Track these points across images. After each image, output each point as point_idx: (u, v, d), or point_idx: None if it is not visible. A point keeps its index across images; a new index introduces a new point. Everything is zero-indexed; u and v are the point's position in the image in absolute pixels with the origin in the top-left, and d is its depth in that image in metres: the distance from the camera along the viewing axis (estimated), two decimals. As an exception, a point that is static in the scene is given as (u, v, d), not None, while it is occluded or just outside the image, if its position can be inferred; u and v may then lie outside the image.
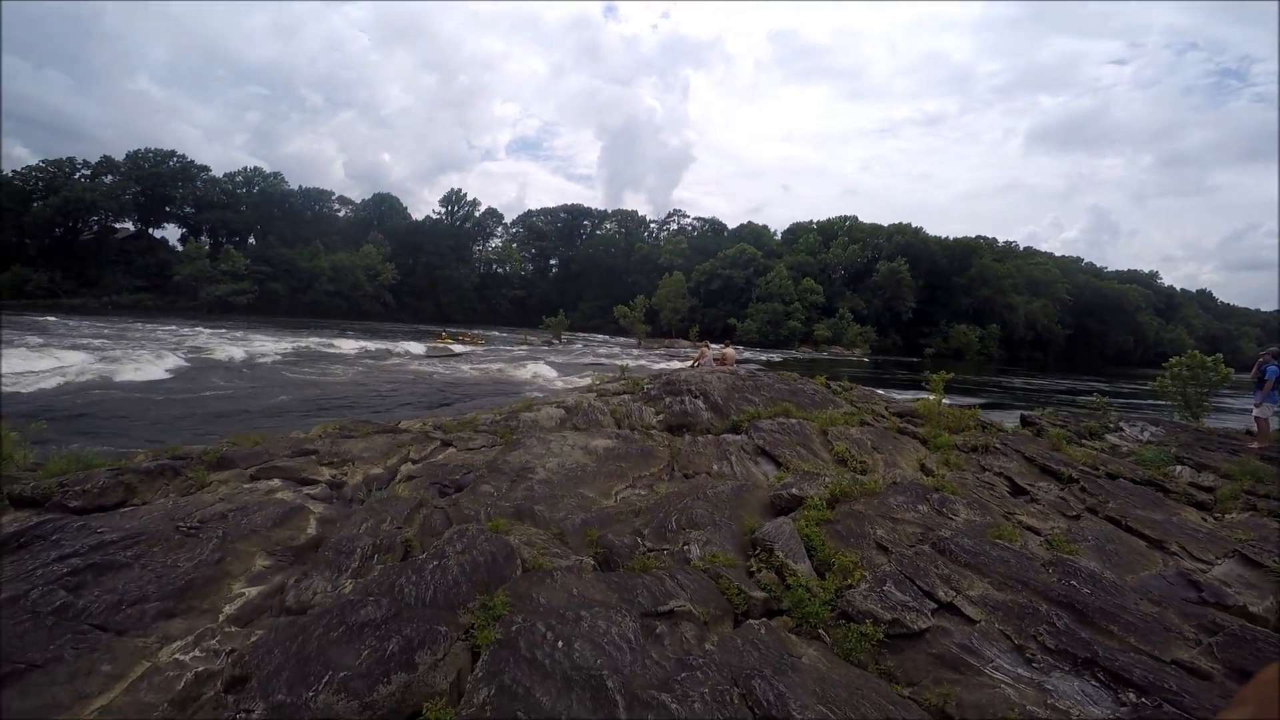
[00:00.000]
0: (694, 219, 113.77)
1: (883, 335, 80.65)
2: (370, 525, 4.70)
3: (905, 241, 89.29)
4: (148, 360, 20.22)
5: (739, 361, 14.07)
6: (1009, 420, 12.59)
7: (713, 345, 14.09)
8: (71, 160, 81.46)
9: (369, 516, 4.91)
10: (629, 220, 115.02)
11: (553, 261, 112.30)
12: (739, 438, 7.68)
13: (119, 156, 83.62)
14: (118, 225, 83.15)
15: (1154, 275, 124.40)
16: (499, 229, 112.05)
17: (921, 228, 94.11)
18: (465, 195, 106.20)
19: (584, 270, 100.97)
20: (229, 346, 27.13)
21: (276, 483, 6.06)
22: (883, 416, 9.80)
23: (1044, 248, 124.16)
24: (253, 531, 4.71)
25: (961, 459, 7.57)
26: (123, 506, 5.16)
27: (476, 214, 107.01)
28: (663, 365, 30.60)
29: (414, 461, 6.95)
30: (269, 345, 28.90)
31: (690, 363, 13.90)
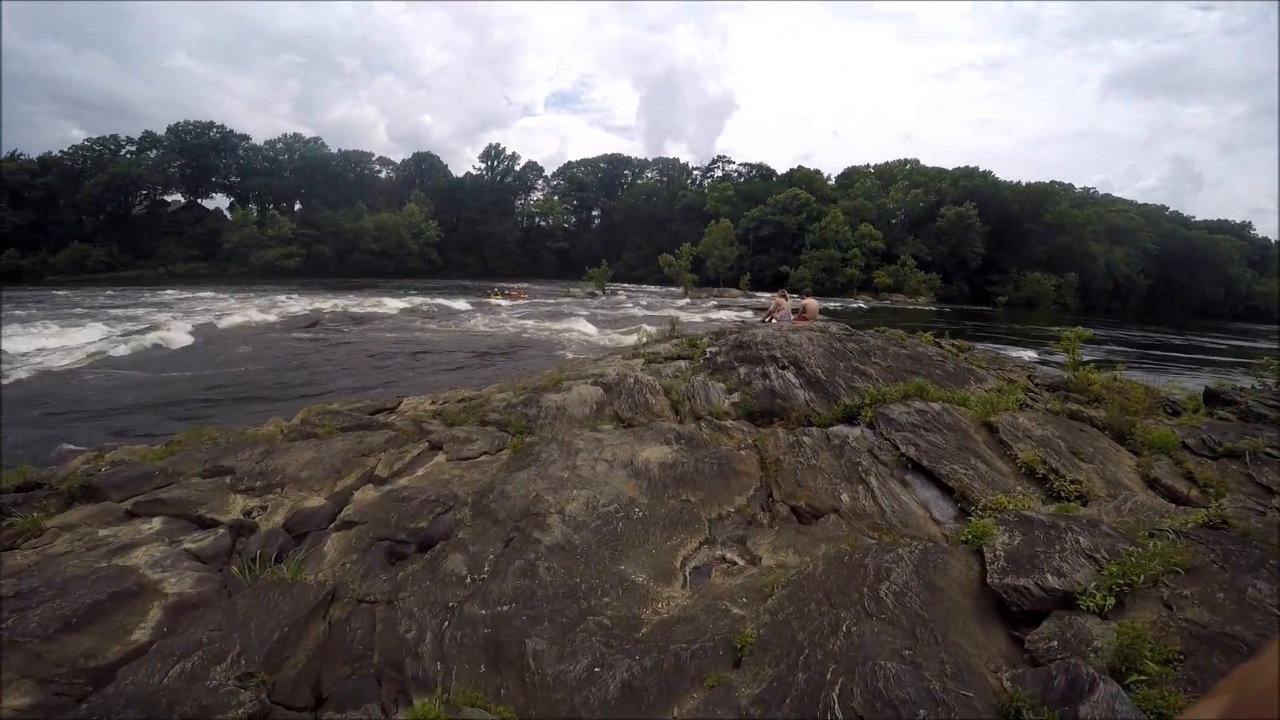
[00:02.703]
0: (740, 165, 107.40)
1: (948, 283, 74.39)
2: (203, 657, 2.42)
3: (973, 186, 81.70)
4: (166, 332, 18.75)
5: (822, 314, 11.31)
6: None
7: (789, 294, 11.31)
8: (115, 137, 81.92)
9: (226, 627, 2.64)
10: (671, 168, 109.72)
11: (594, 213, 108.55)
12: (860, 433, 5.09)
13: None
14: (168, 198, 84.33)
15: (1246, 226, 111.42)
16: (539, 182, 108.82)
17: (991, 171, 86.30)
18: (505, 150, 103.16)
19: (626, 220, 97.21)
20: (262, 312, 25.76)
21: (154, 526, 3.90)
22: (1034, 393, 7.02)
23: (1119, 196, 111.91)
24: (18, 641, 2.58)
25: (1211, 470, 4.74)
26: None
27: (517, 168, 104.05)
28: (716, 316, 27.84)
29: (377, 482, 4.65)
30: (306, 308, 27.45)
31: (762, 316, 11.22)
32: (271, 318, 23.52)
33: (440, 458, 5.13)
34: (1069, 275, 77.60)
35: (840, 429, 5.31)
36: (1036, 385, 7.61)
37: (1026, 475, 4.50)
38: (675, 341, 9.36)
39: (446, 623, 2.59)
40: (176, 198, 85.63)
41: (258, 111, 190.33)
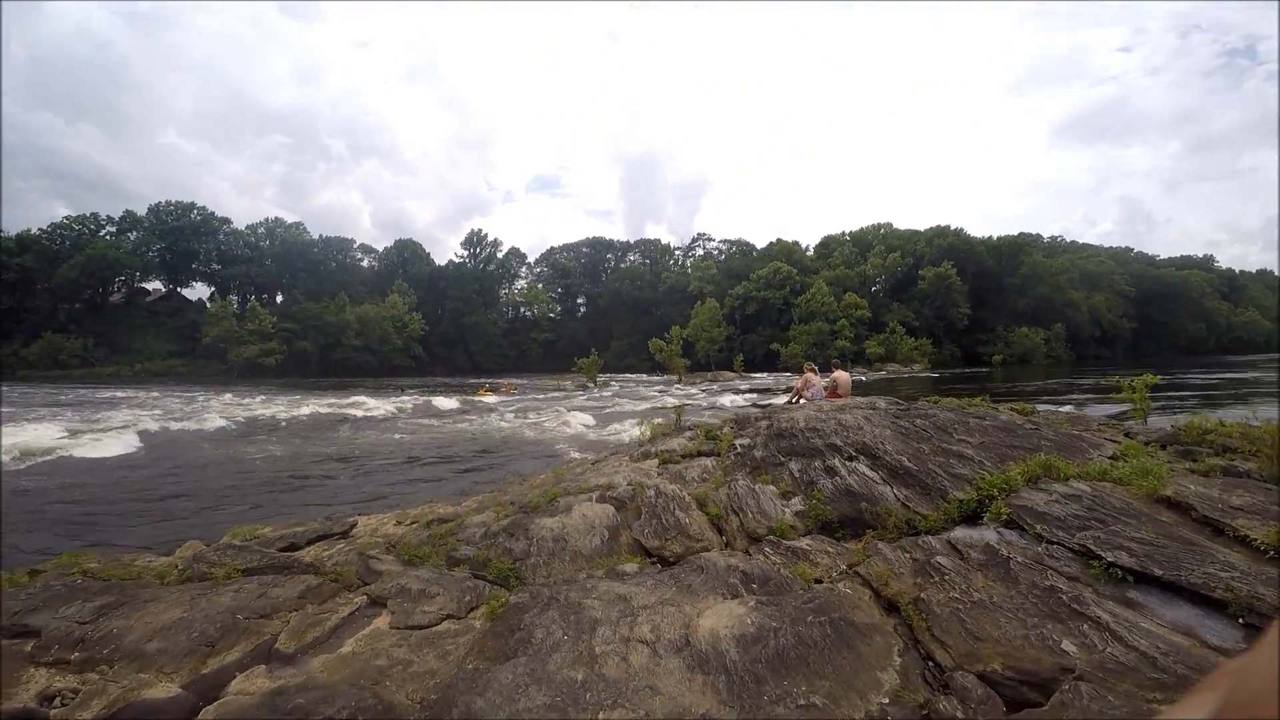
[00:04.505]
0: (720, 241, 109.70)
1: (939, 347, 74.44)
2: None
3: (947, 244, 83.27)
4: (115, 434, 16.84)
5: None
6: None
7: (815, 368, 9.78)
8: (95, 216, 79.48)
9: None
10: (653, 249, 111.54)
11: (580, 300, 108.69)
12: (998, 536, 3.49)
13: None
14: (148, 285, 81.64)
15: (1209, 259, 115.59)
16: (523, 269, 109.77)
17: (963, 228, 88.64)
18: (486, 235, 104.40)
19: (611, 306, 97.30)
20: (229, 414, 23.89)
21: None
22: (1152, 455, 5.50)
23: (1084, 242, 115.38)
24: None
25: None
26: None
27: (499, 255, 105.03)
28: (718, 401, 26.33)
29: (278, 661, 2.92)
30: (279, 411, 25.55)
31: (790, 396, 9.69)
32: (239, 420, 21.66)
33: (381, 621, 3.40)
34: (1056, 327, 78.59)
35: (964, 534, 3.71)
36: (1147, 444, 6.13)
37: (1275, 560, 2.93)
38: (689, 434, 7.79)
39: None
40: (156, 285, 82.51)
41: (244, 195, 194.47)
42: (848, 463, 4.94)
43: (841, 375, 9.36)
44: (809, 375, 9.48)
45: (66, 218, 79.03)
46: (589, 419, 20.30)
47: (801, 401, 8.65)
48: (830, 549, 3.92)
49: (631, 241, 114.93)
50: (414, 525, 6.58)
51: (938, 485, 4.38)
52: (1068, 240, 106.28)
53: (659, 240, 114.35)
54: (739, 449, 6.17)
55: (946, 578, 3.20)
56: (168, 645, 2.91)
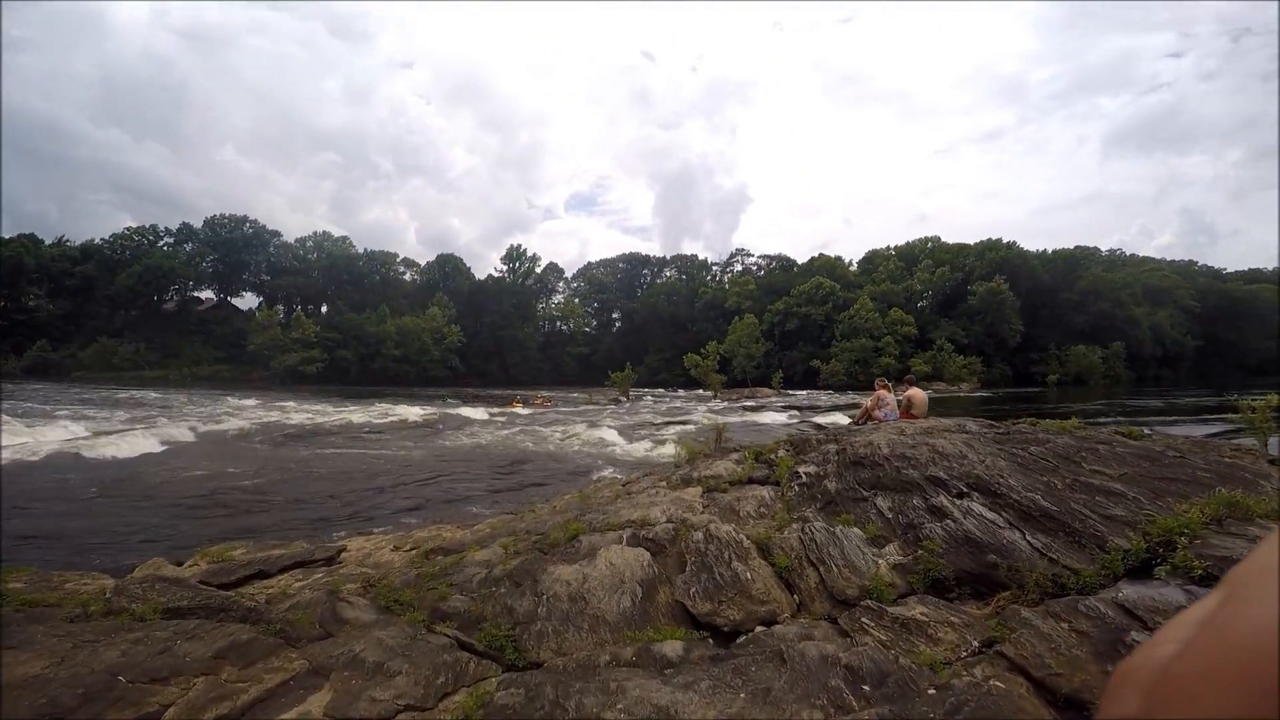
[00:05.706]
0: (759, 257, 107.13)
1: (989, 365, 70.73)
2: None
3: (999, 258, 79.04)
4: (134, 436, 16.53)
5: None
6: None
7: (889, 384, 8.61)
8: (154, 227, 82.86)
9: None
10: (689, 265, 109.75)
11: (615, 315, 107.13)
12: (1188, 596, 2.21)
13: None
14: (200, 294, 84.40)
15: None
16: (560, 284, 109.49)
17: (1015, 242, 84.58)
18: (525, 251, 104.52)
19: (647, 321, 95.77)
20: (255, 418, 23.66)
21: None
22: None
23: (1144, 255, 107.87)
24: None
25: None
26: None
27: (538, 270, 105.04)
28: (758, 420, 24.98)
29: None
30: (309, 417, 25.25)
31: (857, 415, 8.46)
32: (265, 426, 21.31)
33: (315, 702, 2.42)
34: (1114, 345, 73.16)
35: (1136, 594, 2.61)
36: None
37: None
38: (736, 457, 6.65)
39: None
40: (208, 294, 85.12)
41: (298, 210, 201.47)
42: (957, 501, 3.77)
43: (917, 393, 8.14)
44: (882, 392, 8.25)
45: (128, 228, 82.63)
46: (620, 433, 19.21)
47: (869, 423, 7.46)
48: (954, 618, 2.77)
49: (668, 257, 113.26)
50: (412, 552, 5.64)
51: (1089, 530, 3.23)
52: (1127, 254, 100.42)
53: (696, 256, 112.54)
54: (803, 477, 5.03)
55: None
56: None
